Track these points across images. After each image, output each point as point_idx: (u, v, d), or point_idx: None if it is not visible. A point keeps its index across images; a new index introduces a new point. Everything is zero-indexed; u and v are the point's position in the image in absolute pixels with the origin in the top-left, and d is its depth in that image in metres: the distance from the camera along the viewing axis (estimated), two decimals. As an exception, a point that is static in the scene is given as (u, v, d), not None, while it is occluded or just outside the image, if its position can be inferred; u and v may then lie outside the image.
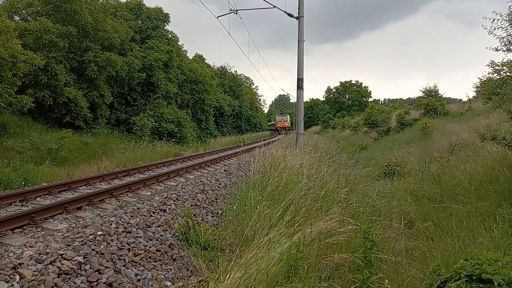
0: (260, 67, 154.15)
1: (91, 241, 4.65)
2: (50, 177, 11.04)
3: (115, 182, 10.13)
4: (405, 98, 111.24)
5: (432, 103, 26.84)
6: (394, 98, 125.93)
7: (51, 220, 5.96)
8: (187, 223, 5.70)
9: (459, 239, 5.10)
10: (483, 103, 19.25)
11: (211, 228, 6.39)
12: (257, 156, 11.40)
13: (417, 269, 4.64)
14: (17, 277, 3.62)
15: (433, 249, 5.26)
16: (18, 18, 22.12)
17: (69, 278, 3.90)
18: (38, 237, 5.10)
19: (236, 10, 17.16)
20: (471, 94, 38.24)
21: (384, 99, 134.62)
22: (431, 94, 34.98)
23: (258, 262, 4.02)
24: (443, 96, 36.52)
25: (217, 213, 7.67)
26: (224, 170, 12.24)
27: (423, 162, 10.94)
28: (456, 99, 61.68)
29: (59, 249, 4.27)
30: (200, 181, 9.70)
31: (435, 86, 36.30)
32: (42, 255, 4.08)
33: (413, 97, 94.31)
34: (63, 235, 4.95)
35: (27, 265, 3.84)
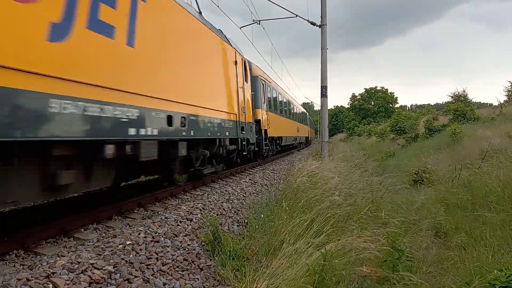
0: (283, 76, 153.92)
1: (120, 251, 4.74)
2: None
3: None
4: (432, 104, 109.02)
5: (461, 108, 26.23)
6: (421, 104, 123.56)
7: (82, 230, 6.11)
8: (213, 233, 5.73)
9: (492, 249, 4.93)
10: (516, 107, 18.63)
11: (237, 237, 6.41)
12: (281, 165, 11.40)
13: (449, 280, 4.51)
14: (51, 285, 3.72)
15: (465, 259, 5.11)
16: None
17: (100, 287, 3.99)
18: (70, 246, 5.24)
19: (259, 21, 17.33)
20: (502, 98, 37.08)
21: (411, 105, 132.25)
22: (460, 99, 34.17)
23: (285, 272, 4.00)
24: (473, 100, 35.61)
25: (243, 222, 7.68)
26: (249, 179, 12.26)
27: (453, 169, 10.66)
28: (486, 103, 59.67)
29: (90, 259, 4.38)
30: (225, 190, 9.75)
31: (464, 91, 35.58)
32: (74, 264, 4.18)
33: (441, 103, 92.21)
34: (93, 244, 5.07)
35: (60, 274, 3.95)
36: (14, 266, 4.45)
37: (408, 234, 5.57)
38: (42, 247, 5.21)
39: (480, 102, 63.50)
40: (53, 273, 3.91)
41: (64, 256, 4.56)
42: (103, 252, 4.64)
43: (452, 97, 36.37)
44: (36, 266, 4.36)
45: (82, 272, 4.05)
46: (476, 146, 14.11)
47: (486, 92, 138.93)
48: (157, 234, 5.58)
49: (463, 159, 12.25)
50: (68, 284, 3.77)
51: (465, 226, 6.79)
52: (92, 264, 4.24)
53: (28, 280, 3.70)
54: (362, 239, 4.84)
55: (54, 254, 4.78)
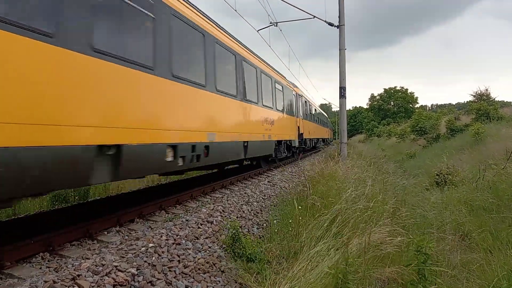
0: (301, 77, 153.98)
1: (143, 253, 4.80)
2: (102, 191, 11.55)
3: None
4: (454, 103, 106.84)
5: (484, 108, 25.62)
6: (442, 104, 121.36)
7: (105, 233, 6.21)
8: (233, 235, 5.75)
9: (520, 252, 4.79)
10: (541, 106, 18.12)
11: (257, 239, 6.41)
12: (300, 167, 11.33)
13: (476, 284, 4.41)
14: None
15: (492, 262, 4.97)
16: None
17: (124, 290, 4.04)
18: (94, 249, 5.33)
19: (276, 23, 17.34)
20: (527, 96, 36.07)
21: (431, 105, 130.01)
22: (483, 98, 33.34)
23: (307, 275, 3.98)
24: (496, 99, 34.70)
25: (263, 225, 7.68)
26: (268, 182, 12.25)
27: (476, 170, 10.40)
28: (510, 102, 57.89)
29: (113, 261, 4.45)
30: (245, 193, 9.77)
31: (487, 90, 34.58)
32: (98, 267, 4.26)
33: (462, 102, 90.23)
34: (117, 247, 5.15)
35: (85, 276, 4.02)
36: (41, 268, 4.55)
37: (432, 236, 5.46)
38: (67, 249, 5.32)
39: (503, 101, 61.52)
40: (78, 275, 3.99)
41: (89, 259, 4.64)
42: (126, 255, 4.71)
43: (474, 96, 35.48)
44: (62, 268, 4.46)
45: (106, 275, 4.11)
46: (500, 146, 13.78)
47: (510, 90, 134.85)
48: (178, 236, 5.63)
49: (486, 160, 11.94)
50: (93, 287, 3.84)
51: (490, 228, 6.61)
52: (115, 266, 4.31)
53: (54, 282, 3.78)
54: (382, 234, 4.78)
55: (79, 257, 4.88)
